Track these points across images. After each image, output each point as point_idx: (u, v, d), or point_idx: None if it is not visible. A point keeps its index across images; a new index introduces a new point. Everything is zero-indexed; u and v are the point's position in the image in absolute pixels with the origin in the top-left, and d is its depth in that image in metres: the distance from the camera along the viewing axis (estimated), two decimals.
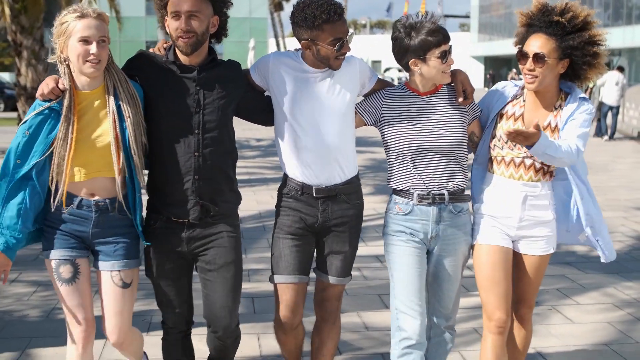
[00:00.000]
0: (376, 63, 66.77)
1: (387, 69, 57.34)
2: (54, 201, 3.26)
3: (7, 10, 15.89)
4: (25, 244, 3.36)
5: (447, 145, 3.49)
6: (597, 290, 6.01)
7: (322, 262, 3.67)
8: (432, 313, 3.67)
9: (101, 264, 3.39)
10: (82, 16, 3.19)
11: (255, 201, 9.70)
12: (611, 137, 18.96)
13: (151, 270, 3.55)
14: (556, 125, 3.52)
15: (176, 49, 3.40)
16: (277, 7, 63.19)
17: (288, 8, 65.07)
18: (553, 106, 3.55)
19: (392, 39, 3.50)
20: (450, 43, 3.44)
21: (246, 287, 5.98)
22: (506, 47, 51.38)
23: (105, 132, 3.27)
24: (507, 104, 3.63)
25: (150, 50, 3.56)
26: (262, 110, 3.61)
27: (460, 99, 3.53)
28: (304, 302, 3.70)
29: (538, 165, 3.53)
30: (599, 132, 19.07)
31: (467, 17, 74.30)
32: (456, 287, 3.63)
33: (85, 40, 3.18)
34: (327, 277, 3.67)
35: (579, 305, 5.63)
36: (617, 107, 19.11)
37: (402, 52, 3.46)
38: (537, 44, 3.47)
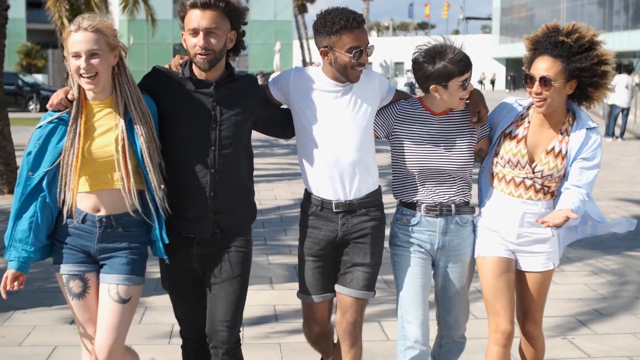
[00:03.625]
0: (399, 65, 67.46)
1: (409, 70, 57.94)
2: (65, 212, 3.22)
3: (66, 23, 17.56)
4: (39, 258, 3.32)
5: (454, 167, 3.55)
6: (581, 261, 7.19)
7: (342, 275, 3.61)
8: (443, 325, 3.75)
9: (102, 277, 3.31)
10: (76, 30, 3.13)
11: (290, 192, 10.84)
12: (621, 137, 19.95)
13: (165, 283, 3.57)
14: (560, 151, 3.49)
15: (193, 64, 3.38)
16: (301, 9, 63.96)
17: (312, 10, 64.82)
18: (559, 129, 3.51)
19: (414, 62, 3.50)
20: (471, 70, 3.45)
21: (290, 260, 7.20)
22: None
23: (111, 144, 3.20)
24: (511, 123, 3.59)
25: (166, 66, 3.54)
26: (278, 123, 3.62)
27: (474, 119, 3.56)
28: (330, 315, 3.74)
29: (538, 186, 3.53)
30: (608, 133, 20.01)
31: (489, 19, 75.00)
32: (464, 298, 3.70)
33: (77, 55, 3.12)
34: (347, 290, 3.58)
35: (563, 272, 6.77)
36: (628, 109, 20.04)
37: (424, 78, 3.46)
38: (543, 66, 3.40)
